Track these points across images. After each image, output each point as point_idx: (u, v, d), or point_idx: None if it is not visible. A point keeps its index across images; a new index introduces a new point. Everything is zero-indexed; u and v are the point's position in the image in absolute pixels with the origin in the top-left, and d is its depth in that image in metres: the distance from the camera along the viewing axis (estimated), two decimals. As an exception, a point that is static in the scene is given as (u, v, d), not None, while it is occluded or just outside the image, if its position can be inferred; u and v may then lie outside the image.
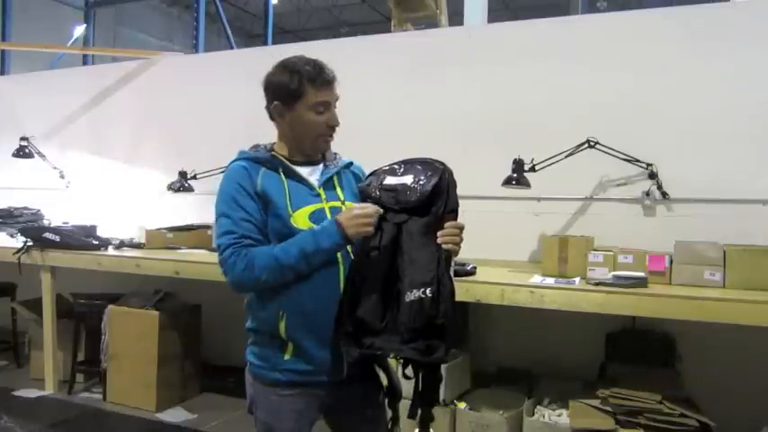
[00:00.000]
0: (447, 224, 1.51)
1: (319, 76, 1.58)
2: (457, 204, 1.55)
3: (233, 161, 1.64)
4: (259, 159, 1.60)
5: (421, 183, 1.56)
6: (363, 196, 1.64)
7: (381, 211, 1.54)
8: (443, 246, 1.49)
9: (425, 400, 1.58)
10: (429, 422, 1.59)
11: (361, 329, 1.49)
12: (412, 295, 1.44)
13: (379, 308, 1.49)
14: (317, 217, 1.57)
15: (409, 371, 1.56)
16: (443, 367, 1.61)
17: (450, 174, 1.57)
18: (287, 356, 1.55)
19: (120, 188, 4.81)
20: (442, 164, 1.59)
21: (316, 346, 1.54)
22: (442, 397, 2.84)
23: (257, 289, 1.54)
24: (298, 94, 1.57)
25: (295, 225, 1.54)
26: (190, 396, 3.77)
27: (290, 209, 1.55)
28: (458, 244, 1.51)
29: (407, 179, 1.58)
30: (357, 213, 1.52)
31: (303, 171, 1.63)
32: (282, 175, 1.59)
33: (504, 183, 3.19)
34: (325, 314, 1.53)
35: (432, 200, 1.53)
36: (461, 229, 1.52)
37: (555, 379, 3.10)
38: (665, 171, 3.20)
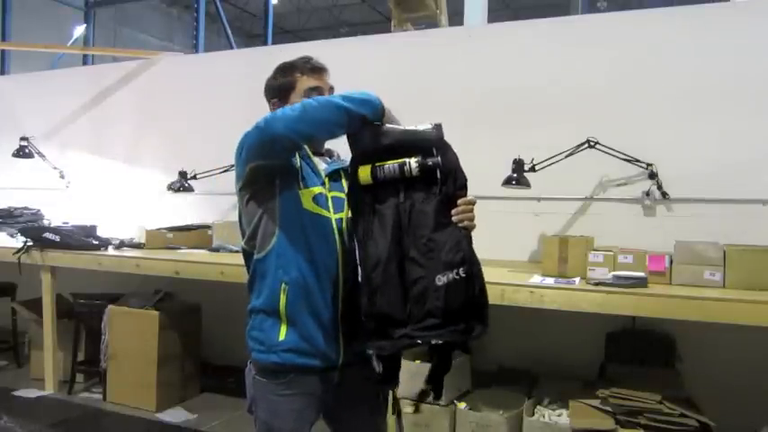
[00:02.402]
0: (460, 201, 1.48)
1: (308, 64, 1.66)
2: (465, 179, 1.52)
3: None
4: None
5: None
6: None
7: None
8: (460, 224, 1.46)
9: (437, 381, 1.59)
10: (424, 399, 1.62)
11: (384, 323, 1.46)
12: (444, 278, 1.40)
13: (400, 297, 1.45)
14: (319, 200, 1.59)
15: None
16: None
17: (452, 149, 1.53)
18: (282, 336, 1.56)
19: (120, 188, 4.81)
20: (444, 141, 1.53)
21: (312, 324, 1.55)
22: (442, 396, 2.84)
23: (288, 132, 1.47)
24: (290, 86, 1.66)
25: (302, 201, 1.56)
26: (190, 396, 3.77)
27: (300, 184, 1.58)
28: (473, 220, 1.50)
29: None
30: None
31: (314, 159, 1.66)
32: (297, 155, 1.61)
33: (504, 183, 3.19)
34: (324, 294, 1.56)
35: (430, 169, 1.48)
36: (474, 203, 1.51)
37: (555, 379, 3.10)
38: (665, 171, 3.20)
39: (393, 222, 1.48)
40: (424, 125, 1.53)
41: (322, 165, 1.67)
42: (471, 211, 1.50)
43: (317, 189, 1.60)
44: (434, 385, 1.61)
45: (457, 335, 1.43)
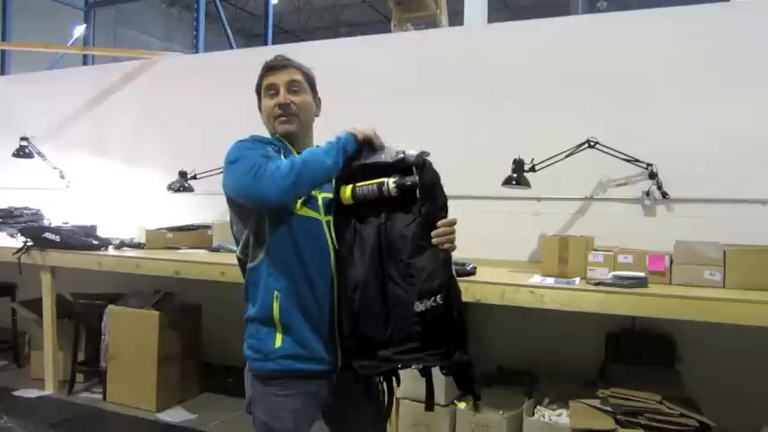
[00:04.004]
0: (440, 223, 1.48)
1: (268, 63, 1.69)
2: (446, 199, 1.53)
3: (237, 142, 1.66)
4: (263, 140, 1.65)
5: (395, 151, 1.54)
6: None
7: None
8: (440, 247, 1.47)
9: (468, 388, 1.58)
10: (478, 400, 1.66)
11: (366, 344, 1.47)
12: (422, 305, 1.42)
13: (381, 318, 1.46)
14: (308, 203, 1.58)
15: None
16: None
17: (432, 168, 1.53)
18: (278, 343, 1.56)
19: (120, 188, 4.81)
20: (423, 159, 1.53)
21: (307, 330, 1.55)
22: (442, 397, 2.84)
23: (284, 197, 1.48)
24: (259, 87, 1.72)
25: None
26: (190, 396, 3.77)
27: None
28: (453, 242, 1.50)
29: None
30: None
31: None
32: (283, 158, 1.60)
33: (504, 183, 3.19)
34: (318, 301, 1.56)
35: (408, 189, 1.49)
36: (454, 224, 1.51)
37: (555, 379, 3.10)
38: (665, 171, 3.20)
39: (374, 244, 1.49)
40: (411, 150, 1.54)
41: None
42: (452, 233, 1.50)
43: None
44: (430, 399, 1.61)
45: (437, 358, 1.44)
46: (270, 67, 1.68)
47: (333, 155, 1.53)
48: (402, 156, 1.52)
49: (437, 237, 1.48)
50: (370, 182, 1.52)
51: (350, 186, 1.54)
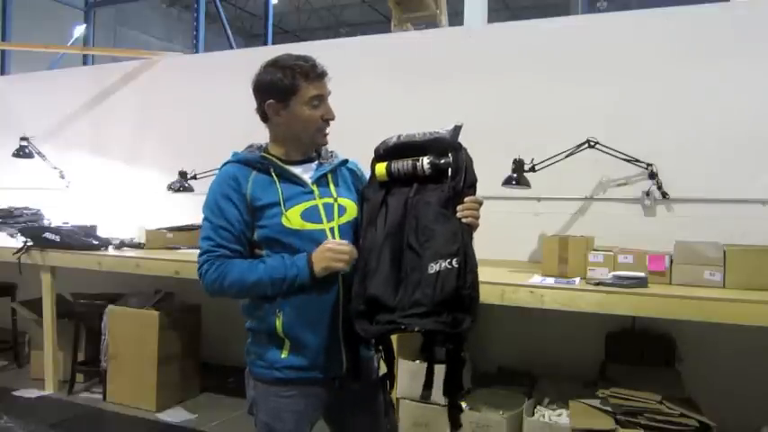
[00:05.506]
0: (467, 199, 1.50)
1: (312, 71, 1.58)
2: (475, 179, 1.54)
3: (224, 164, 1.64)
4: (249, 162, 1.60)
5: (429, 133, 1.57)
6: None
7: (356, 254, 1.51)
8: (464, 220, 1.48)
9: (451, 390, 1.57)
10: (459, 414, 1.60)
11: (373, 307, 1.45)
12: (437, 266, 1.41)
13: (392, 284, 1.45)
14: (309, 214, 1.56)
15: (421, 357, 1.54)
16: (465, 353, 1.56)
17: (466, 152, 1.56)
18: (284, 355, 1.55)
19: (120, 188, 4.81)
20: (459, 142, 1.58)
21: (313, 340, 1.55)
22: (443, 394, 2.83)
23: (226, 297, 1.57)
24: (292, 90, 1.56)
25: (288, 225, 1.54)
26: (190, 396, 3.77)
27: (282, 207, 1.54)
28: (477, 218, 1.51)
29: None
30: (330, 247, 1.51)
31: (296, 170, 1.62)
32: (274, 176, 1.58)
33: (504, 183, 3.19)
34: (322, 307, 1.54)
35: (442, 168, 1.53)
36: (480, 204, 1.52)
37: (555, 379, 3.10)
38: (665, 171, 3.20)
39: (398, 214, 1.51)
40: (445, 128, 1.58)
41: (307, 173, 1.63)
42: (477, 209, 1.51)
43: (305, 204, 1.57)
44: (451, 398, 1.60)
45: (440, 325, 1.41)
46: (319, 75, 1.59)
47: (271, 288, 1.52)
48: (437, 135, 1.56)
49: (462, 210, 1.48)
50: (406, 159, 1.56)
51: (384, 163, 1.58)
